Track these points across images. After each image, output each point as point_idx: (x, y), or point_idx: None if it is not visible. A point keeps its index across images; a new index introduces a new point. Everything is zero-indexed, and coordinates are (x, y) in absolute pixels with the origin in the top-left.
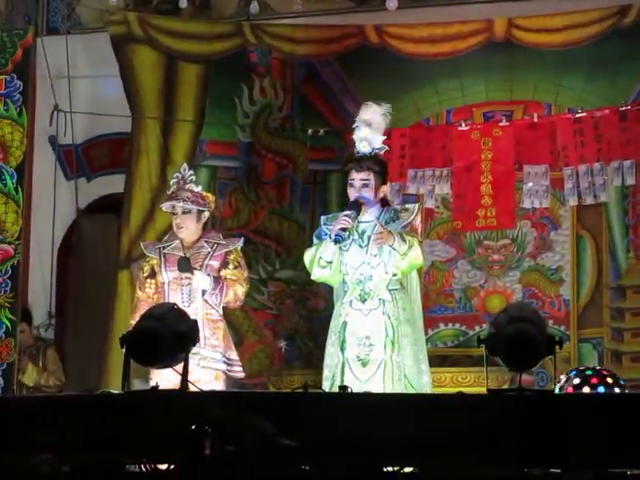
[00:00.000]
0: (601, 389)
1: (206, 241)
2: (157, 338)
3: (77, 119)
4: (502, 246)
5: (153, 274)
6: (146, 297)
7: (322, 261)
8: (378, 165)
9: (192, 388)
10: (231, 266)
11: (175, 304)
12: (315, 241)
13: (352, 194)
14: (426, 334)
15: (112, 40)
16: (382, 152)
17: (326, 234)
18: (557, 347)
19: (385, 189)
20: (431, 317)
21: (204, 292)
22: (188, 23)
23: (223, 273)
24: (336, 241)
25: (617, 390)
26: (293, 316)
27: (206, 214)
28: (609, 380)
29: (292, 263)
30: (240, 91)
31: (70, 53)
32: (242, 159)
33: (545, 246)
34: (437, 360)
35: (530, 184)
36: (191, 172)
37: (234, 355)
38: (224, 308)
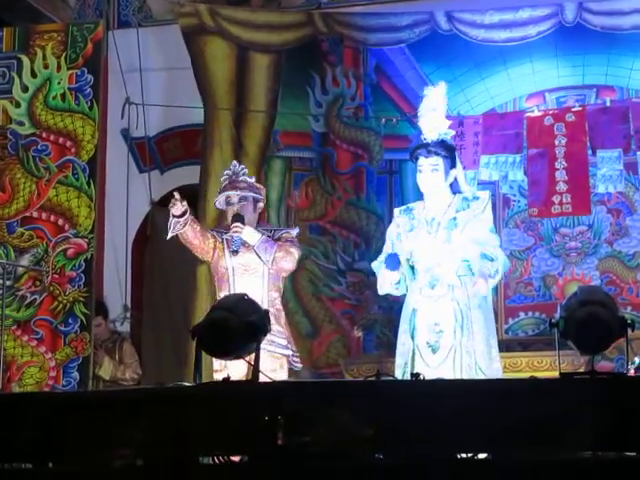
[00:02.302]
0: None
1: (264, 229)
2: (228, 329)
3: (149, 112)
4: (579, 233)
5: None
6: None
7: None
8: (446, 150)
9: (263, 378)
10: (283, 240)
11: (245, 294)
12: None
13: (422, 180)
14: (506, 323)
15: (183, 32)
16: (449, 136)
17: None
18: (629, 329)
19: (455, 173)
20: (511, 306)
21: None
22: (258, 13)
23: None
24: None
25: None
26: (372, 306)
27: (261, 205)
28: None
29: (371, 254)
30: (312, 81)
31: (141, 46)
32: (316, 149)
33: (621, 232)
34: (518, 347)
35: (604, 169)
36: (243, 167)
37: (294, 346)
38: (299, 299)
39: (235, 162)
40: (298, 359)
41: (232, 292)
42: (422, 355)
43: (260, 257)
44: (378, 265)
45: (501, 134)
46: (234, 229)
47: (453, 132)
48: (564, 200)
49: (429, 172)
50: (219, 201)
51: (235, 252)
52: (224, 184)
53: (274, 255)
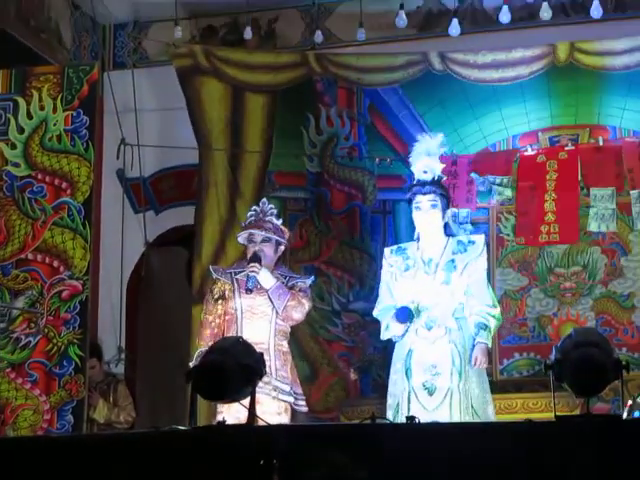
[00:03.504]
0: None
1: (280, 273)
2: (223, 372)
3: (144, 152)
4: (573, 273)
5: (223, 297)
6: (214, 318)
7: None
8: (442, 188)
9: (259, 422)
10: (297, 289)
11: (241, 337)
12: (384, 273)
13: (419, 217)
14: (501, 364)
15: (178, 73)
16: (443, 180)
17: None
18: (624, 371)
19: (449, 214)
20: (506, 347)
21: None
22: (254, 54)
23: None
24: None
25: None
26: (368, 348)
27: (282, 247)
28: None
29: (365, 294)
30: (307, 121)
31: (137, 87)
32: (311, 189)
33: (616, 272)
34: (513, 388)
35: (597, 207)
36: (271, 206)
37: (299, 389)
38: (297, 342)
39: (264, 200)
40: (304, 402)
41: (239, 335)
42: (418, 397)
43: (272, 302)
44: (382, 314)
45: (491, 162)
46: (251, 268)
47: (445, 177)
48: (552, 230)
49: (428, 208)
50: (242, 237)
51: (249, 291)
52: (249, 220)
53: (286, 303)
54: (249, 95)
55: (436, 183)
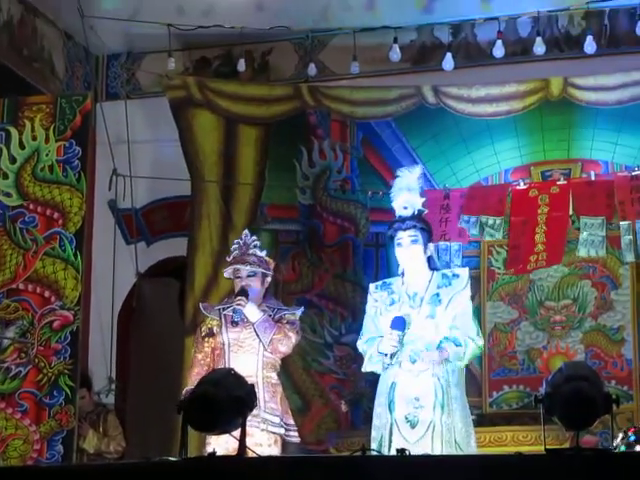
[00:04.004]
0: None
1: (267, 306)
2: (214, 404)
3: (137, 183)
4: (563, 306)
5: (211, 334)
6: (203, 356)
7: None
8: (423, 222)
9: (250, 453)
10: (285, 321)
11: (232, 369)
12: (369, 308)
13: (401, 254)
14: (490, 396)
15: (171, 104)
16: (424, 214)
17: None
18: (614, 405)
19: (432, 248)
20: (495, 379)
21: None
22: (247, 86)
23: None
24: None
25: None
26: (359, 380)
27: (269, 279)
28: None
29: (358, 327)
30: (300, 153)
31: (129, 118)
32: (303, 222)
33: (606, 306)
34: (502, 421)
35: (586, 233)
36: (254, 237)
37: (290, 420)
38: (289, 374)
39: (247, 231)
40: (295, 432)
41: (227, 366)
42: (400, 430)
43: (258, 336)
44: (366, 344)
45: (484, 200)
46: (237, 302)
47: (426, 210)
48: (540, 258)
49: (409, 244)
50: (228, 272)
51: (235, 323)
52: (234, 254)
53: (272, 337)
54: (242, 127)
55: (416, 217)
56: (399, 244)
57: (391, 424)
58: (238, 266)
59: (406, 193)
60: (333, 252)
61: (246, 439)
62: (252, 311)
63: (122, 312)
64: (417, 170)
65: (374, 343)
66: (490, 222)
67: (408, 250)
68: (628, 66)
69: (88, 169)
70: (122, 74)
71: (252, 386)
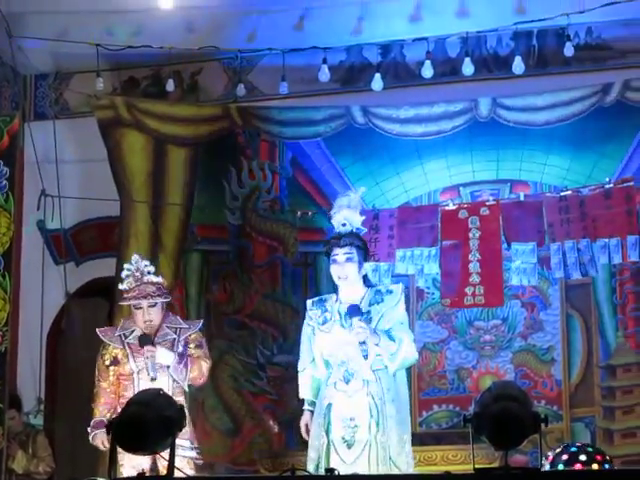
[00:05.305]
0: (594, 466)
1: (168, 326)
2: (144, 424)
3: (65, 203)
4: (493, 326)
5: (116, 363)
6: (109, 384)
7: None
8: (359, 240)
9: (178, 474)
10: (192, 345)
11: (161, 389)
12: (305, 326)
13: (336, 270)
14: (420, 416)
15: (99, 124)
16: (362, 233)
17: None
18: (543, 425)
19: (367, 267)
20: (425, 399)
21: (169, 368)
22: (175, 106)
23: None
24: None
25: (607, 466)
26: (292, 400)
27: (167, 301)
28: (596, 457)
29: (289, 347)
30: (229, 174)
31: (58, 137)
32: (233, 242)
33: (535, 326)
34: (432, 440)
35: (518, 261)
36: (145, 263)
37: (196, 442)
38: (219, 395)
39: (136, 256)
40: (200, 454)
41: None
42: (337, 450)
43: (174, 379)
44: (302, 374)
45: (416, 227)
46: (147, 354)
47: (365, 230)
48: (477, 292)
49: (343, 262)
50: (133, 303)
51: (154, 379)
52: (127, 281)
53: (187, 375)
54: (171, 147)
55: (353, 235)
56: (334, 260)
57: (328, 445)
58: (141, 301)
59: (346, 210)
60: (263, 272)
61: (160, 463)
62: (163, 355)
63: (51, 333)
64: (360, 191)
65: (306, 374)
66: (425, 253)
67: (342, 267)
68: (556, 86)
69: (16, 189)
70: (50, 94)
71: (182, 406)
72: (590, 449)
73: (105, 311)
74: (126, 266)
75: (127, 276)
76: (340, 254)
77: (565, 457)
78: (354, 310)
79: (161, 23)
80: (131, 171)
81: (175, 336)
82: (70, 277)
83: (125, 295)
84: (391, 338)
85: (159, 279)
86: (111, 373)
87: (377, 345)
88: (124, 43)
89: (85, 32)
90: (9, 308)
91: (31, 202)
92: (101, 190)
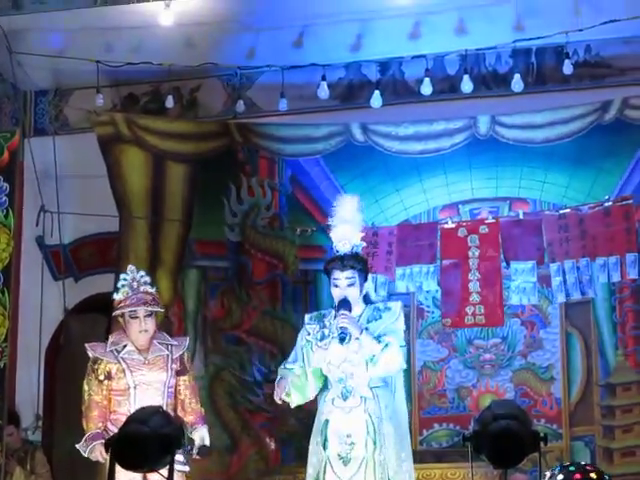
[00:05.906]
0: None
1: (159, 343)
2: (143, 442)
3: (64, 219)
4: (493, 345)
5: (109, 377)
6: (101, 399)
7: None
8: (360, 263)
9: None
10: (187, 363)
11: (160, 407)
12: (300, 339)
13: (337, 294)
14: (420, 434)
15: (99, 140)
16: (360, 248)
17: (309, 333)
18: (542, 443)
19: (367, 286)
20: (425, 417)
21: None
22: (175, 122)
23: (181, 379)
24: (342, 339)
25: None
26: (289, 418)
27: (161, 312)
28: (593, 475)
29: None
30: (228, 190)
31: (57, 154)
32: (232, 259)
33: (535, 344)
34: (432, 458)
35: (518, 280)
36: (141, 273)
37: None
38: (216, 412)
39: (132, 267)
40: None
41: (132, 407)
42: (333, 467)
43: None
44: (286, 372)
45: (415, 245)
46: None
47: (364, 244)
48: (477, 311)
49: (345, 286)
50: (120, 312)
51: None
52: (124, 290)
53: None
54: (170, 164)
55: (354, 257)
56: (335, 284)
57: (325, 461)
58: (138, 308)
59: (345, 225)
60: (262, 289)
61: (174, 476)
62: (156, 377)
63: (50, 348)
64: (355, 198)
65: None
66: (424, 270)
67: (344, 291)
68: (555, 104)
69: (16, 205)
70: (50, 110)
71: (181, 424)
72: (588, 467)
73: (104, 327)
74: (122, 276)
75: (123, 285)
76: (342, 278)
77: (561, 477)
78: (343, 303)
79: (161, 40)
80: (130, 187)
81: (167, 352)
82: (69, 293)
83: (121, 304)
84: (378, 340)
85: (154, 290)
86: (104, 387)
87: (358, 339)
88: (124, 60)
89: (85, 48)
90: (8, 324)
91: (30, 218)
92: (100, 206)
